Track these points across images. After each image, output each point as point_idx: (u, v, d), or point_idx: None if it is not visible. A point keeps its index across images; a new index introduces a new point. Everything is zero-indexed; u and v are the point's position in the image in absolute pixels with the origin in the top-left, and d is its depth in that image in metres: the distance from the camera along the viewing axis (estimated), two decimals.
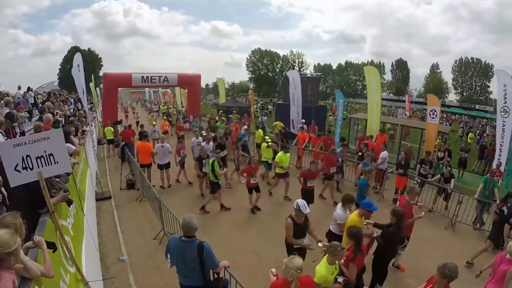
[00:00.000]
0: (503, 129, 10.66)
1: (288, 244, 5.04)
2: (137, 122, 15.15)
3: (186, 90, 26.79)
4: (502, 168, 10.29)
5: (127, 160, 10.55)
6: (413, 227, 5.94)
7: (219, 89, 33.18)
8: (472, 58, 69.67)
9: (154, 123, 15.53)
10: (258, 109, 29.42)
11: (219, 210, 8.44)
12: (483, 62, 68.00)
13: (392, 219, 5.04)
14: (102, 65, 70.44)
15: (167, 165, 9.99)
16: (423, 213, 5.86)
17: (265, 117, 22.72)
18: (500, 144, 10.68)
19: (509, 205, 6.10)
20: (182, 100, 34.80)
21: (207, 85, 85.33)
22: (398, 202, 6.18)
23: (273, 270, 4.07)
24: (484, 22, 78.23)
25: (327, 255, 3.86)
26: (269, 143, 10.53)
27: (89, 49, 68.33)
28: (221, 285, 3.82)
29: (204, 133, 11.53)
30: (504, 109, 10.44)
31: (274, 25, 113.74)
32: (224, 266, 3.93)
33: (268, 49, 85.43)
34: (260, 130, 13.44)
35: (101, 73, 46.14)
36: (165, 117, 20.98)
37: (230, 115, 19.33)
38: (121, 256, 6.14)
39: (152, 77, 20.84)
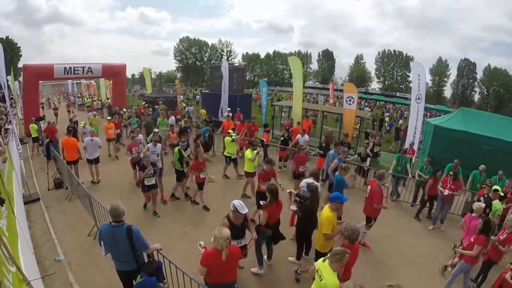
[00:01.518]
0: (417, 113, 12.13)
1: None
2: (75, 122, 13.59)
3: (111, 81, 25.73)
4: (415, 147, 11.71)
5: (53, 158, 10.22)
6: None
7: (145, 80, 32.40)
8: (394, 51, 77.34)
9: (84, 123, 13.28)
10: (183, 99, 29.52)
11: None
12: (404, 54, 75.86)
13: (308, 193, 5.66)
14: (21, 55, 62.07)
15: (97, 160, 9.96)
16: (387, 205, 6.73)
17: (191, 107, 22.83)
18: (415, 127, 12.22)
19: (485, 196, 7.16)
20: (106, 92, 33.22)
21: (133, 75, 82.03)
22: (369, 186, 6.69)
23: (202, 242, 4.14)
24: (407, 18, 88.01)
25: (330, 263, 3.53)
26: (233, 137, 10.40)
27: (6, 38, 59.44)
28: (154, 267, 3.95)
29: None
30: (418, 96, 11.92)
31: (204, 13, 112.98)
32: (156, 249, 4.11)
33: (196, 38, 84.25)
34: (186, 119, 13.90)
35: (20, 65, 41.21)
36: (109, 118, 15.09)
37: (156, 106, 19.08)
38: (58, 257, 6.12)
39: (75, 68, 19.83)
